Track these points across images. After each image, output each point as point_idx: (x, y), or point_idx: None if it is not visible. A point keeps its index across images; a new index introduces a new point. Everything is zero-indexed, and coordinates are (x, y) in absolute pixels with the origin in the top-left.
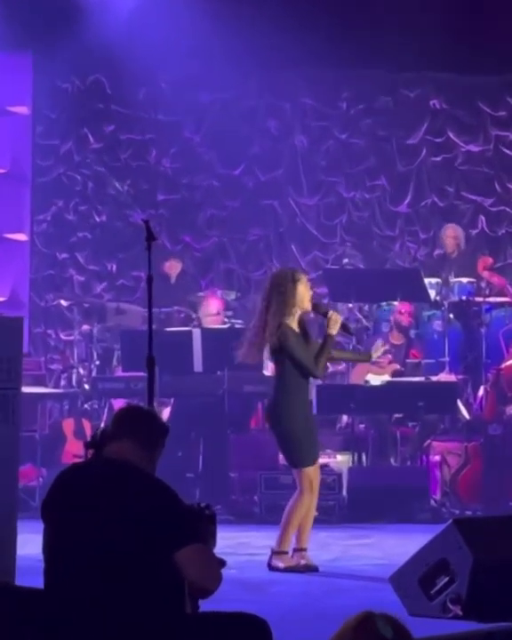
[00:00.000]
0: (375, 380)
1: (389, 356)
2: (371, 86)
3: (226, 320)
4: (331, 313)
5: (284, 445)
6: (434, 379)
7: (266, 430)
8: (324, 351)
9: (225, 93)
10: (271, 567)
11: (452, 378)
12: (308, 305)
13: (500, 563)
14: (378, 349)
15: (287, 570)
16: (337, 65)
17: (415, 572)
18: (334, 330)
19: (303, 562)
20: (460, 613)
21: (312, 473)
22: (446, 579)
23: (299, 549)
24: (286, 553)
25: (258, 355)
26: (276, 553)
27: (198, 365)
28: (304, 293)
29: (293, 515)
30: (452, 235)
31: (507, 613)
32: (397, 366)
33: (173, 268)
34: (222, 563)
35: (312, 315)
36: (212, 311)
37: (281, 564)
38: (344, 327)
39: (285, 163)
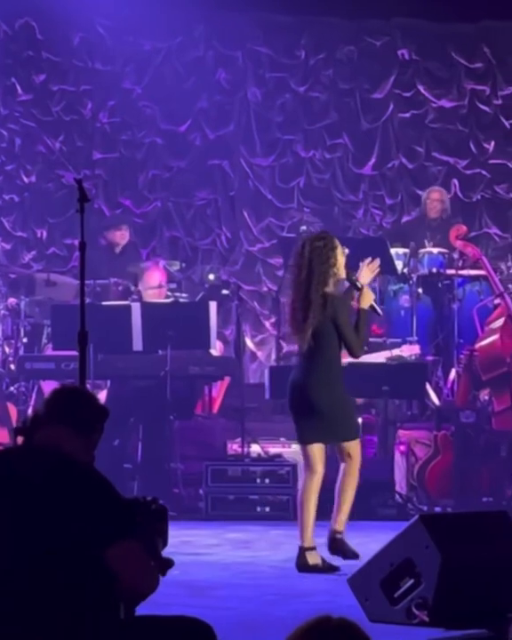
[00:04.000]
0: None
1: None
2: (332, 34)
3: (169, 294)
4: (363, 286)
5: (326, 426)
6: (396, 352)
7: (213, 417)
8: (362, 326)
9: (169, 40)
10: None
11: (416, 349)
12: (343, 273)
13: (470, 564)
14: (366, 275)
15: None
16: (295, 9)
17: (377, 574)
18: (366, 304)
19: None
20: (426, 619)
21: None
22: (411, 581)
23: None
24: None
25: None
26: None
27: (138, 344)
28: (341, 260)
29: (348, 491)
30: (438, 198)
31: (477, 619)
32: None
33: (124, 237)
34: (169, 563)
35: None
36: (154, 284)
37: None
38: (374, 305)
39: (236, 119)
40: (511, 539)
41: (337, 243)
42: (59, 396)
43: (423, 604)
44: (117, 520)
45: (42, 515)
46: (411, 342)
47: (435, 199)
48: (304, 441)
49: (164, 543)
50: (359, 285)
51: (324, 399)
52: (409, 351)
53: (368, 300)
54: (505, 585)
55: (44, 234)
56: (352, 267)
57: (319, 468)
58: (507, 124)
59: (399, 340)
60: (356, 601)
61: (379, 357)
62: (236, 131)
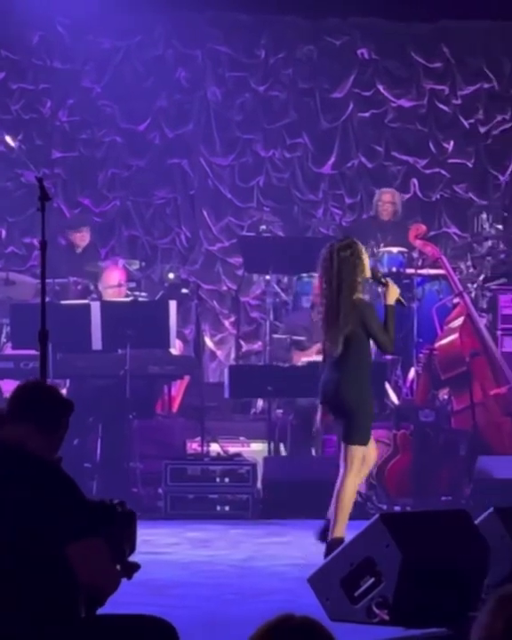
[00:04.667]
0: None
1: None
2: (292, 33)
3: (128, 292)
4: (388, 283)
5: (349, 421)
6: None
7: (172, 416)
8: (390, 324)
9: (129, 39)
10: None
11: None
12: (368, 273)
13: (430, 562)
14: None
15: None
16: (255, 8)
17: (337, 573)
18: (392, 300)
19: None
20: (387, 618)
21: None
22: (372, 580)
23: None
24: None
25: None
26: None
27: (97, 343)
28: (367, 262)
29: (339, 499)
30: (389, 200)
31: (437, 618)
32: (319, 346)
33: (84, 239)
34: (135, 567)
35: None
36: (113, 283)
37: None
38: (400, 300)
39: (196, 118)
40: (471, 537)
41: (361, 247)
42: (22, 392)
43: (383, 603)
44: (80, 520)
45: (3, 512)
46: None
47: (386, 201)
48: (343, 439)
49: (132, 547)
50: (384, 282)
51: (351, 395)
52: None
53: (394, 295)
54: (465, 584)
55: (3, 232)
56: (310, 267)
57: (369, 459)
58: (466, 123)
59: None
60: (317, 600)
61: None
62: (195, 130)
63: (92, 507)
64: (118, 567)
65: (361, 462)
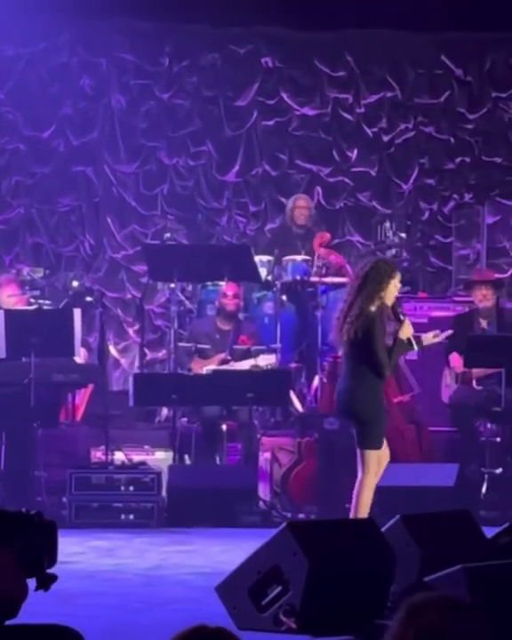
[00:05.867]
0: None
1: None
2: (196, 41)
3: (32, 300)
4: (405, 319)
5: (362, 428)
6: (253, 361)
7: (77, 424)
8: (395, 351)
9: (33, 46)
10: None
11: (272, 359)
12: (390, 301)
13: (338, 570)
14: (429, 339)
15: None
16: (159, 16)
17: (245, 582)
18: (405, 335)
19: None
20: (294, 626)
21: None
22: (279, 588)
23: None
24: None
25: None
26: None
27: (1, 351)
28: (392, 291)
29: (357, 502)
30: (304, 205)
31: (344, 626)
32: (223, 355)
33: None
34: (52, 578)
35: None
36: (5, 298)
37: None
38: (411, 340)
39: (101, 125)
40: (378, 545)
41: (396, 274)
42: None
43: (291, 611)
44: None
45: None
46: (272, 350)
47: (302, 206)
48: (357, 445)
49: (51, 559)
50: (401, 317)
51: (361, 402)
52: (265, 361)
53: (407, 332)
54: (372, 591)
55: None
56: (214, 275)
57: (383, 464)
58: (369, 132)
59: (263, 348)
60: (224, 608)
61: (243, 365)
62: (100, 137)
63: (6, 517)
64: (34, 578)
65: (376, 465)
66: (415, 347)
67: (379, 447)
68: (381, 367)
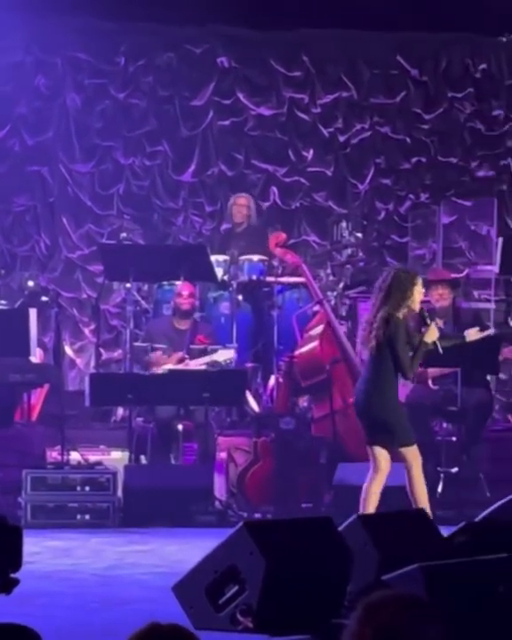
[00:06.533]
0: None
1: None
2: (151, 40)
3: None
4: (431, 323)
5: (382, 430)
6: (212, 357)
7: (32, 424)
8: (418, 355)
9: None
10: None
11: (231, 354)
12: (416, 307)
13: (295, 570)
14: (473, 335)
15: None
16: (114, 15)
17: (202, 581)
18: (430, 339)
19: None
20: (251, 625)
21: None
22: (236, 587)
23: None
24: None
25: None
26: None
27: None
28: (417, 297)
29: (416, 496)
30: (244, 203)
31: (301, 625)
32: (181, 354)
33: None
34: (13, 582)
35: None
36: None
37: None
38: (436, 343)
39: (56, 125)
40: (335, 544)
41: (418, 281)
42: None
43: (247, 611)
44: None
45: None
46: (229, 348)
47: (240, 204)
48: (367, 441)
49: (14, 563)
50: (428, 321)
51: (376, 405)
52: (224, 356)
53: (432, 336)
54: (329, 591)
55: None
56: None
57: (382, 467)
58: (325, 132)
59: (219, 347)
60: (181, 608)
61: (199, 364)
62: (55, 137)
63: None
64: None
65: (419, 457)
66: (440, 349)
67: (413, 442)
68: (405, 369)
